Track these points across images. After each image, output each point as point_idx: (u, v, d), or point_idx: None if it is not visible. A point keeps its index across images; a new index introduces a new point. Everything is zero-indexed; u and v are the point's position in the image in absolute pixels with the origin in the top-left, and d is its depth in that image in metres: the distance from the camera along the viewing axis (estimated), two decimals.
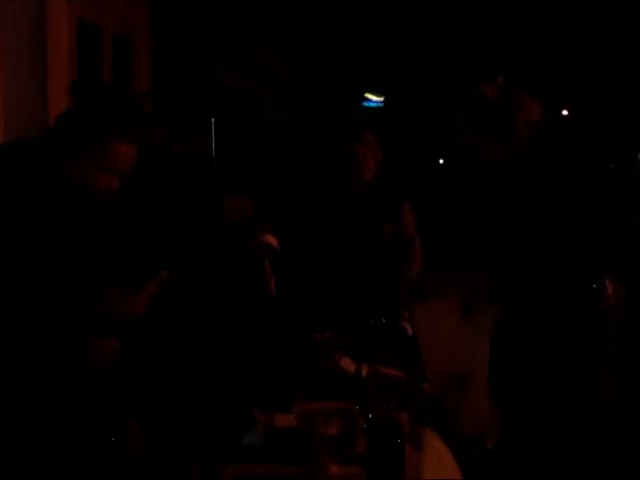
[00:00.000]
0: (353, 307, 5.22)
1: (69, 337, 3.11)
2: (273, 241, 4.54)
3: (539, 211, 3.80)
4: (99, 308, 3.12)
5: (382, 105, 25.96)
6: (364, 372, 4.18)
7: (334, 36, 20.41)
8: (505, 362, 3.92)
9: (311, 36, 19.59)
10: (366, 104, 25.10)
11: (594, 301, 3.91)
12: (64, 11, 7.60)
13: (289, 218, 5.49)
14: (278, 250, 4.52)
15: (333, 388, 4.05)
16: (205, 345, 3.94)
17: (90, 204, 3.19)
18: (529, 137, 3.86)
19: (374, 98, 25.65)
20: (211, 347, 3.95)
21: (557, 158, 3.86)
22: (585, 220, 3.88)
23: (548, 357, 3.83)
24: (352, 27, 20.53)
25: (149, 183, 4.63)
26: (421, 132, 26.70)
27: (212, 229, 4.93)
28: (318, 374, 4.22)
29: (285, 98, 17.64)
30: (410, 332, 5.01)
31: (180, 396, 3.47)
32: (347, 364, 4.24)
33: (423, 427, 3.60)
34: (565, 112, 30.91)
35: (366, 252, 5.46)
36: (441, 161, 31.45)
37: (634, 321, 4.62)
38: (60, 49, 7.38)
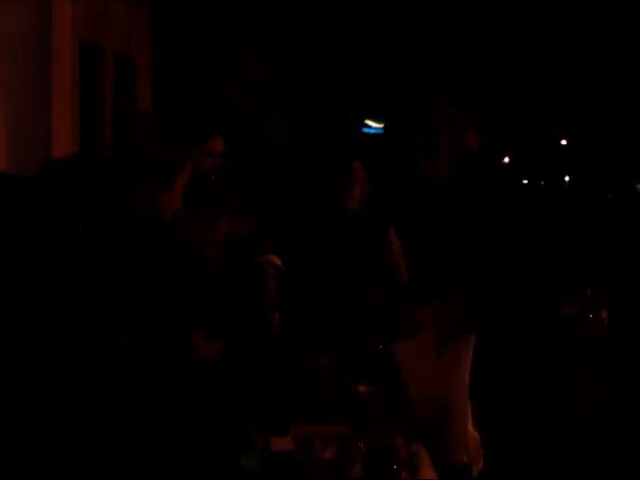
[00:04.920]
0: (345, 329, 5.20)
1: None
2: (278, 261, 4.55)
3: (509, 239, 3.90)
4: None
5: (382, 132, 26.01)
6: (362, 391, 4.20)
7: (336, 61, 20.46)
8: (485, 391, 3.99)
9: (314, 58, 19.64)
10: (366, 130, 25.14)
11: (570, 326, 4.02)
12: (67, 30, 7.63)
13: (282, 238, 5.48)
14: (283, 270, 4.53)
15: (331, 411, 4.05)
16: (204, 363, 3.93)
17: None
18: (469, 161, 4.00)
19: (374, 125, 25.72)
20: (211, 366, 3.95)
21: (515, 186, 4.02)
22: (558, 249, 3.98)
23: (527, 382, 3.92)
24: (354, 52, 20.59)
25: None
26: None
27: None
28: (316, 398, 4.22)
29: (283, 119, 17.67)
30: None
31: (181, 415, 3.47)
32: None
33: (417, 447, 3.60)
34: (564, 142, 31.01)
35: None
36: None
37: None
38: (63, 67, 7.41)
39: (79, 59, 9.19)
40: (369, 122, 25.68)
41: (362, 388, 4.24)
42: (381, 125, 26.52)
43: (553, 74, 25.34)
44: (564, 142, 31.22)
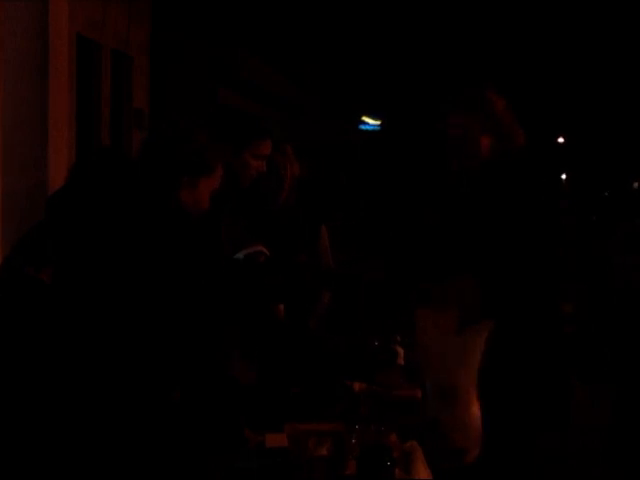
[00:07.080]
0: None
1: None
2: (264, 249, 4.51)
3: (521, 226, 3.96)
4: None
5: (379, 128, 26.07)
6: (357, 388, 4.21)
7: (333, 59, 20.49)
8: (495, 377, 4.02)
9: (310, 59, 19.66)
10: (363, 127, 25.19)
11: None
12: (65, 27, 7.64)
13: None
14: (272, 257, 4.51)
15: (325, 407, 4.07)
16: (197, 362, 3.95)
17: None
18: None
19: (371, 121, 25.76)
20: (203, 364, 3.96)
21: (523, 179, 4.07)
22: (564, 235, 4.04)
23: (533, 372, 3.97)
24: (351, 51, 20.62)
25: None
26: (417, 154, 26.79)
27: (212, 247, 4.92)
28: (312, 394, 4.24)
29: (282, 120, 17.70)
30: (401, 356, 5.00)
31: (180, 415, 3.49)
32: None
33: (412, 445, 3.61)
34: (561, 139, 31.04)
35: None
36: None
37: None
38: (60, 64, 7.42)
39: (77, 56, 9.22)
40: (366, 119, 25.73)
41: (356, 385, 4.27)
42: (378, 122, 26.58)
43: (551, 73, 25.36)
44: (561, 140, 31.26)
